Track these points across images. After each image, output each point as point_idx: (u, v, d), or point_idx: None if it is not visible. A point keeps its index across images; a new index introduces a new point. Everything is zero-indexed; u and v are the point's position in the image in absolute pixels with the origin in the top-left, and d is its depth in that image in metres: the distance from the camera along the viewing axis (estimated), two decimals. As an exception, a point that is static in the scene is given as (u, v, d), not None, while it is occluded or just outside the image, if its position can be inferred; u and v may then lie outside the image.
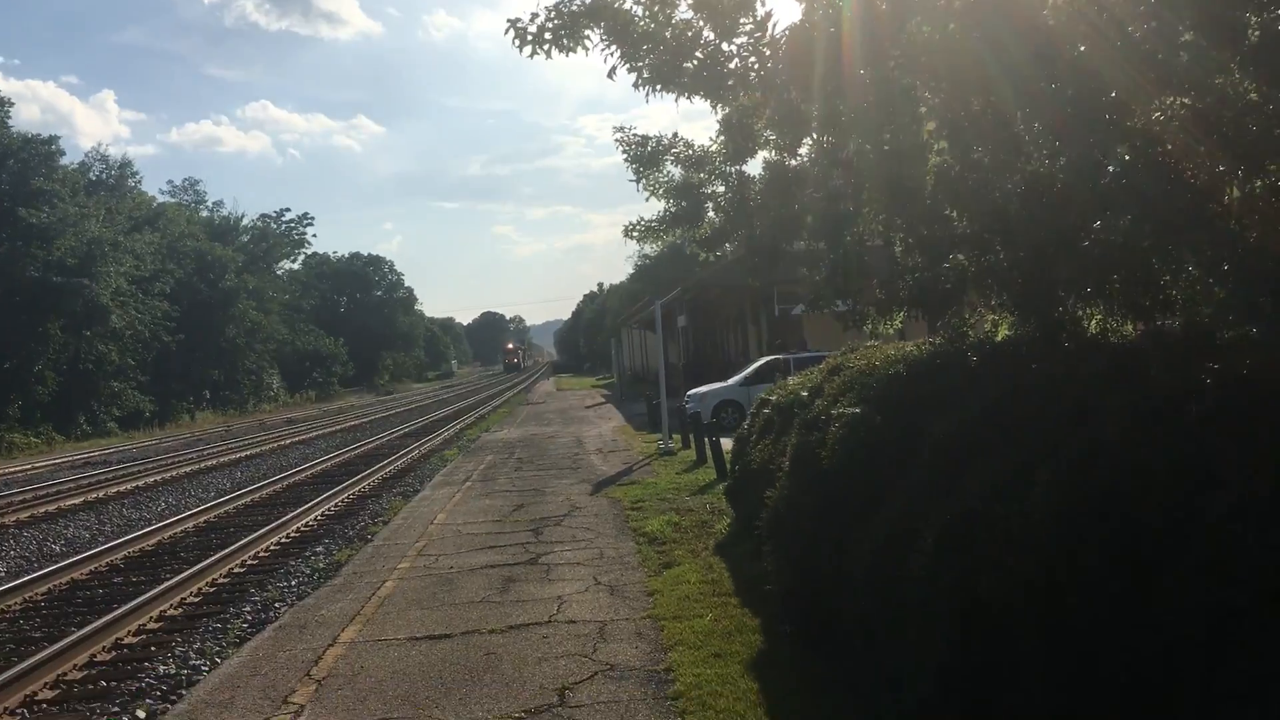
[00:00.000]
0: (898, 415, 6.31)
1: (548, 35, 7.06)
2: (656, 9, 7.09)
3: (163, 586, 11.24)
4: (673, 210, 8.37)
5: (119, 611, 10.14)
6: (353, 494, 19.43)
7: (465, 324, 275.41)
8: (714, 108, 7.77)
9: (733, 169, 8.01)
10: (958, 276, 6.64)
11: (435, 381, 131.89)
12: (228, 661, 8.09)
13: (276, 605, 10.61)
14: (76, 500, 20.80)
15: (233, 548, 13.46)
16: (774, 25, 6.80)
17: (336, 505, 18.05)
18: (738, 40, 7.02)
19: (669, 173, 8.35)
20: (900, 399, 6.48)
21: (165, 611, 10.72)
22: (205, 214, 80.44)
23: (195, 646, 9.28)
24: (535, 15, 7.02)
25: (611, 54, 7.23)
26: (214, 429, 50.41)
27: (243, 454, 30.68)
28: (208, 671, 8.26)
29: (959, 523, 4.86)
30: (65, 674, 8.70)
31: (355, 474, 22.22)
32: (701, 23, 7.06)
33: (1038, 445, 4.62)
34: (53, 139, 50.37)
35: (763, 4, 6.90)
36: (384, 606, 9.31)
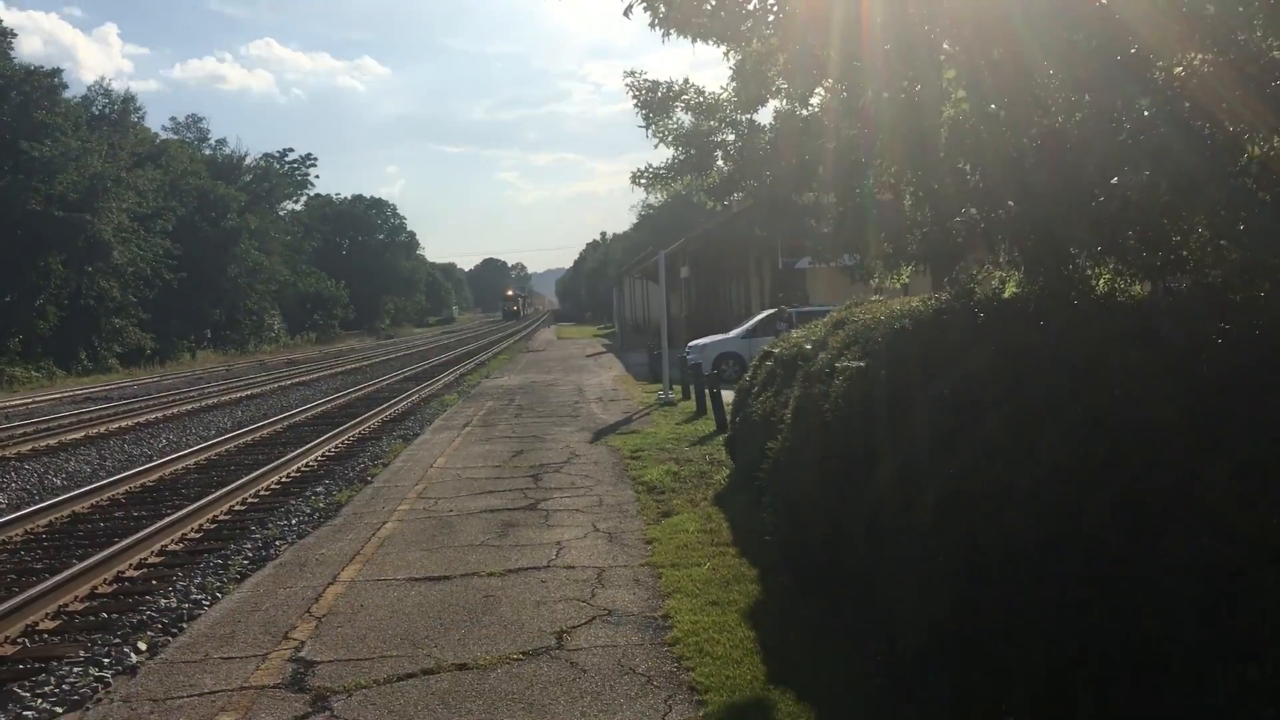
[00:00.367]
0: (902, 370, 6.29)
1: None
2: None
3: (164, 521, 11.30)
4: (681, 158, 8.29)
5: (120, 545, 10.21)
6: (353, 436, 19.49)
7: (467, 270, 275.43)
8: (726, 55, 7.67)
9: (744, 117, 7.92)
10: (968, 231, 6.60)
11: (436, 327, 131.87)
12: (228, 597, 8.15)
13: (277, 543, 10.68)
14: (78, 435, 20.88)
15: (233, 485, 13.52)
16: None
17: (337, 446, 18.12)
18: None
19: (679, 120, 8.26)
20: (905, 354, 6.46)
21: (166, 546, 10.79)
22: (208, 152, 79.94)
23: (196, 581, 9.34)
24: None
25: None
26: (214, 368, 50.48)
27: (243, 394, 30.75)
28: (209, 606, 8.32)
29: (961, 478, 4.87)
30: (66, 605, 8.77)
31: (355, 416, 22.27)
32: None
33: (1044, 402, 4.61)
34: (55, 72, 49.96)
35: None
36: (384, 547, 9.37)
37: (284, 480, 14.78)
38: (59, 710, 6.39)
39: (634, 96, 8.13)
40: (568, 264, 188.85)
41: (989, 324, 6.21)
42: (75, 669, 7.05)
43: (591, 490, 11.83)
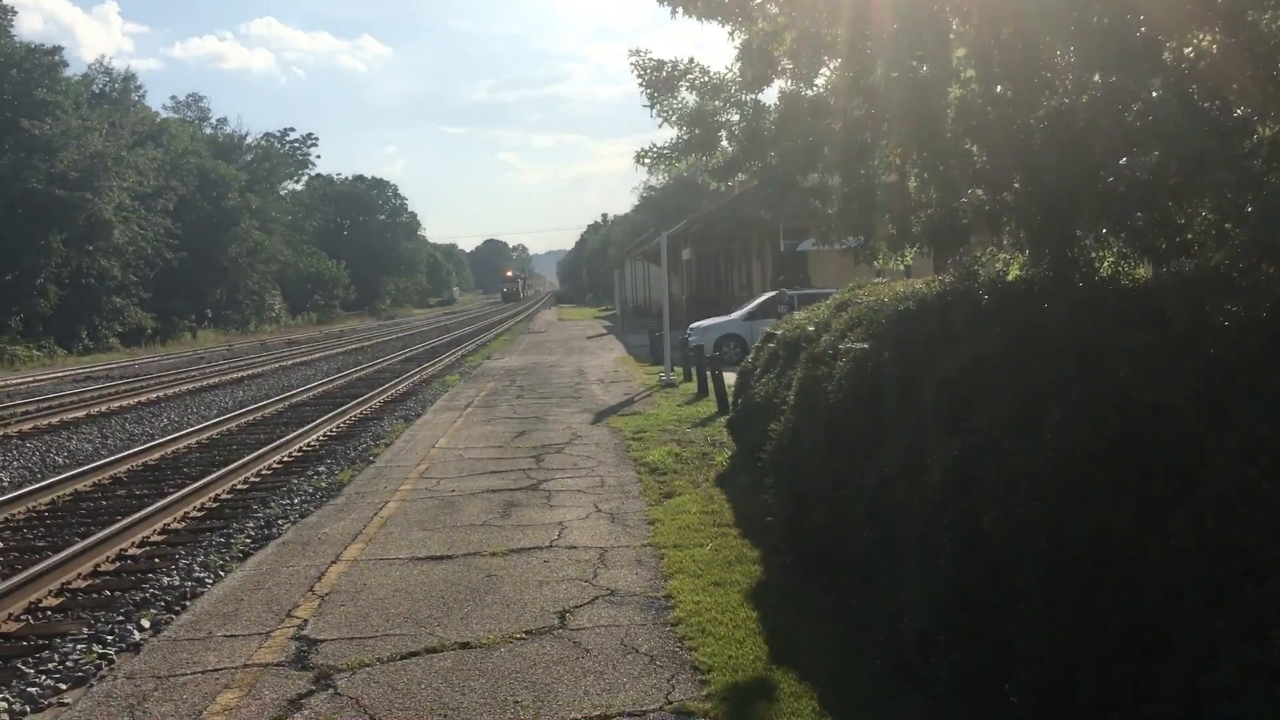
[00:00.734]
0: (906, 351, 6.29)
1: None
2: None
3: (166, 500, 11.32)
4: (686, 138, 8.24)
5: (123, 523, 10.23)
6: (354, 416, 19.51)
7: (468, 251, 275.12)
8: (731, 35, 7.62)
9: (749, 97, 7.88)
10: (974, 213, 6.58)
11: (437, 308, 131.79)
12: (231, 575, 8.17)
13: (279, 522, 10.70)
14: (79, 413, 20.90)
15: (235, 464, 13.54)
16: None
17: (338, 426, 18.14)
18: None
19: (683, 99, 8.20)
20: (908, 335, 6.45)
21: (169, 525, 10.81)
22: (209, 131, 79.72)
23: (199, 560, 9.37)
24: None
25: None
26: (215, 348, 50.49)
27: (244, 373, 30.76)
28: (211, 584, 8.35)
29: (965, 459, 4.86)
30: (69, 583, 8.79)
31: (357, 396, 22.29)
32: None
33: (1049, 383, 4.61)
34: (56, 50, 49.72)
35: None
36: (386, 527, 9.39)
37: (286, 460, 14.80)
38: (63, 687, 6.41)
39: (639, 76, 8.06)
40: (569, 245, 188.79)
41: (993, 306, 6.21)
42: (79, 646, 7.08)
43: (593, 471, 11.84)
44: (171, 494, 11.83)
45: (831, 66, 7.23)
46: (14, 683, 6.50)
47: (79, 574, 8.98)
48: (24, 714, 6.06)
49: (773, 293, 28.19)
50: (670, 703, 5.27)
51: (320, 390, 24.59)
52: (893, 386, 6.16)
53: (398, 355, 36.83)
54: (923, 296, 7.07)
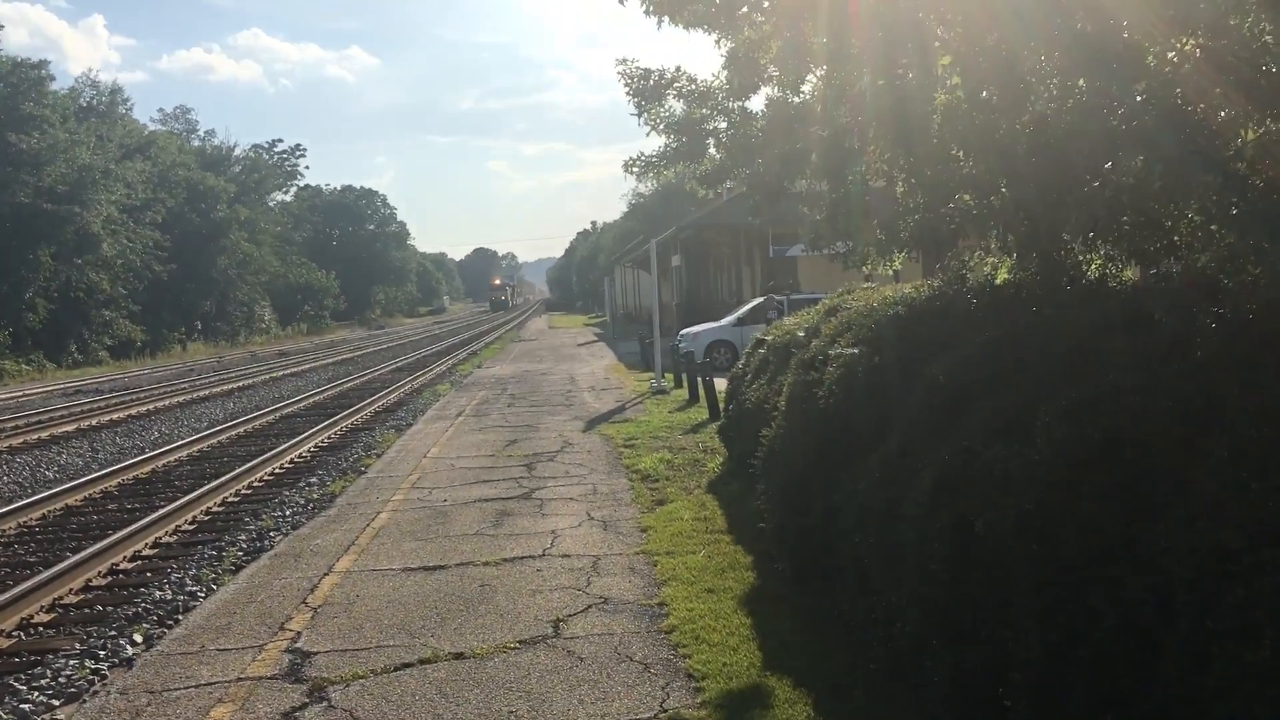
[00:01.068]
0: (896, 356, 6.31)
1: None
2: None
3: (158, 514, 11.29)
4: (674, 146, 8.27)
5: (114, 537, 10.20)
6: (346, 426, 19.47)
7: (458, 260, 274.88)
8: (718, 43, 7.65)
9: (736, 105, 7.91)
10: (961, 217, 6.61)
11: (427, 317, 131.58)
12: (224, 588, 8.15)
13: (272, 534, 10.67)
14: (69, 427, 20.82)
15: (227, 477, 13.51)
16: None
17: (330, 437, 18.11)
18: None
19: (670, 107, 8.24)
20: (899, 340, 6.47)
21: (160, 538, 10.78)
22: (197, 143, 79.47)
23: (191, 573, 9.34)
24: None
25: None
26: (205, 360, 50.35)
27: (235, 385, 30.69)
28: (204, 598, 8.32)
29: (956, 463, 4.88)
30: (61, 598, 8.76)
31: (348, 407, 22.26)
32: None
33: (1039, 387, 4.63)
34: (42, 63, 49.53)
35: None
36: (379, 537, 9.37)
37: (277, 471, 14.77)
38: (56, 703, 6.39)
39: (626, 84, 8.10)
40: (559, 253, 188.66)
41: (982, 310, 6.23)
42: (71, 662, 7.05)
43: (585, 479, 11.84)
44: (163, 507, 11.79)
45: (817, 74, 7.27)
46: (7, 699, 6.47)
47: (71, 589, 8.95)
48: (16, 731, 6.04)
49: (763, 298, 28.25)
50: (665, 711, 5.27)
51: (311, 401, 24.54)
52: (883, 391, 6.17)
53: (388, 365, 36.79)
54: (912, 301, 7.10)
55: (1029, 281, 6.23)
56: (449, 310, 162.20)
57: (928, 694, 4.87)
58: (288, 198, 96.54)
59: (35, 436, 19.52)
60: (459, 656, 6.15)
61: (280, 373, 35.70)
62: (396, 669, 6.01)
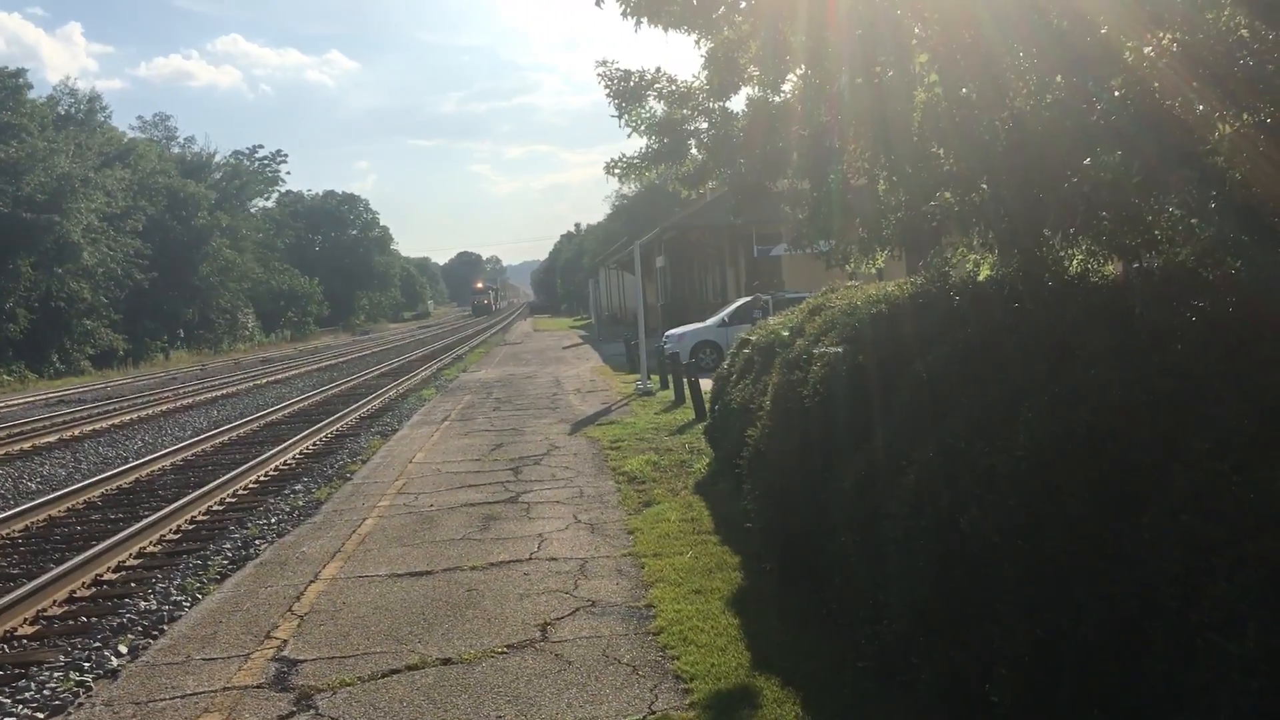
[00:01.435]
0: (880, 354, 6.31)
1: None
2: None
3: (142, 524, 11.21)
4: (655, 147, 8.27)
5: (98, 548, 10.12)
6: (331, 433, 19.40)
7: (441, 264, 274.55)
8: (698, 44, 7.66)
9: (716, 105, 7.91)
10: (943, 215, 6.62)
11: (411, 322, 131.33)
12: (209, 597, 8.10)
13: (257, 542, 10.62)
14: (51, 438, 20.68)
15: (211, 485, 13.43)
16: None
17: (315, 444, 18.03)
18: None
19: (651, 108, 8.23)
20: (883, 338, 6.48)
21: (145, 548, 10.71)
22: (176, 150, 79.23)
23: (176, 583, 9.28)
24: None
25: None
26: (189, 368, 50.10)
27: (219, 393, 30.55)
28: (189, 607, 8.26)
29: (941, 460, 4.89)
30: (45, 610, 8.69)
31: (333, 413, 22.17)
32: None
33: (1022, 383, 4.64)
34: (20, 72, 49.41)
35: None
36: (365, 544, 9.33)
37: (262, 479, 14.70)
38: (40, 716, 6.33)
39: (606, 86, 8.10)
40: (543, 256, 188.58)
41: (965, 307, 6.24)
42: (56, 674, 6.99)
43: (572, 482, 11.82)
44: (147, 517, 11.72)
45: (797, 73, 7.28)
46: (-10, 714, 6.42)
47: (54, 600, 8.88)
48: (1, 745, 5.99)
49: (747, 298, 28.30)
50: (653, 713, 5.26)
51: (296, 408, 24.44)
52: (868, 389, 6.18)
53: (373, 370, 36.67)
54: (895, 299, 7.11)
55: (1011, 278, 6.25)
56: (433, 315, 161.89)
57: (916, 692, 4.88)
58: (269, 204, 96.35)
59: (17, 448, 19.38)
60: (446, 662, 6.13)
61: (264, 380, 35.54)
62: (384, 676, 5.98)
